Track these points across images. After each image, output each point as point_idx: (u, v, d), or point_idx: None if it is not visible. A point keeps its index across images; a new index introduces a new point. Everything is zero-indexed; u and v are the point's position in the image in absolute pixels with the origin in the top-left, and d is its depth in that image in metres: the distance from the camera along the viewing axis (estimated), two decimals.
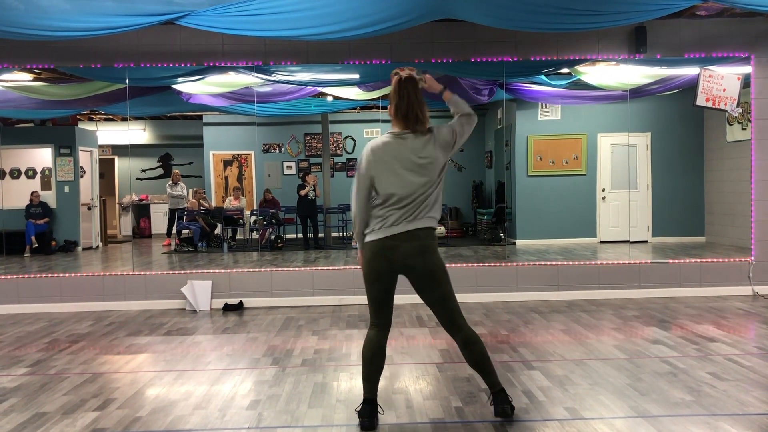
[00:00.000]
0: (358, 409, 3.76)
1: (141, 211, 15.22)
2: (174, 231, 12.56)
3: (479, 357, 3.75)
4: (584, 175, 11.85)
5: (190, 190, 13.75)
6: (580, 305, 7.27)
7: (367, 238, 3.69)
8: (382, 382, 4.56)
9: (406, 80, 3.62)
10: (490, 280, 7.62)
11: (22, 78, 8.63)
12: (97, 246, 12.95)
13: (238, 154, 14.83)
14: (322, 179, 12.45)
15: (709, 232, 11.23)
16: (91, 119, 14.02)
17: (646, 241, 11.36)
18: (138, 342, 5.99)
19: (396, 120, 3.64)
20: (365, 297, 7.63)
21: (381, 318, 3.88)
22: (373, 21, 6.19)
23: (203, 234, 12.17)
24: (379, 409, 3.79)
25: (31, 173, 13.08)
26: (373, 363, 3.75)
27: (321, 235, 12.11)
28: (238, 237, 12.90)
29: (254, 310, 7.39)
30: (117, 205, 15.12)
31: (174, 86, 8.82)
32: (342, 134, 15.02)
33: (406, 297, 7.49)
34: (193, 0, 6.12)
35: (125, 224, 15.08)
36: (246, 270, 7.84)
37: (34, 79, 8.78)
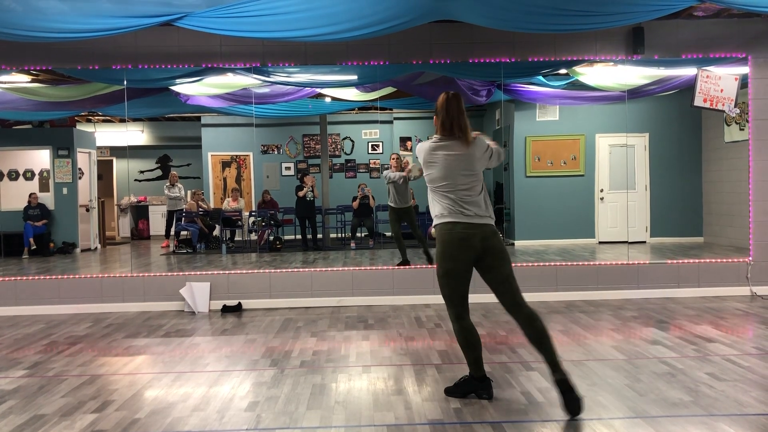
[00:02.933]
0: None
1: (139, 212, 15.20)
2: (172, 232, 12.55)
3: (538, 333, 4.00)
4: (582, 175, 11.86)
5: (189, 192, 13.73)
6: (579, 306, 7.27)
7: None
8: (381, 383, 4.57)
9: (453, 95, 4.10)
10: None
11: (19, 79, 8.63)
12: (96, 247, 12.94)
13: (236, 156, 14.82)
14: (321, 180, 12.45)
15: (708, 233, 11.24)
16: (89, 121, 14.01)
17: (644, 242, 11.37)
18: (136, 344, 5.98)
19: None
20: (363, 298, 7.60)
21: None
22: (370, 22, 6.19)
23: (202, 235, 12.16)
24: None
25: (29, 175, 13.07)
26: None
27: (320, 236, 12.10)
28: (236, 238, 12.89)
29: (253, 312, 7.39)
30: (115, 207, 15.10)
31: (172, 87, 8.82)
32: (340, 135, 15.01)
33: (404, 298, 7.52)
34: (191, 1, 6.12)
35: (124, 226, 15.06)
36: (244, 271, 7.84)
37: (32, 81, 8.78)
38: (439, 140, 4.08)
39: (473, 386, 4.17)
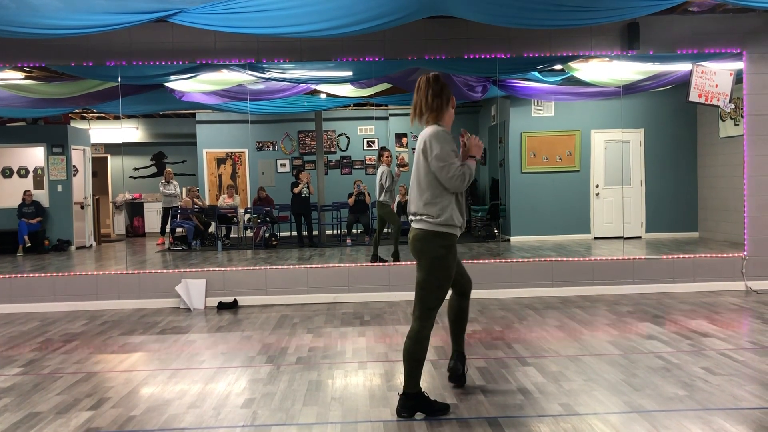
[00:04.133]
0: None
1: (134, 209, 15.16)
2: (168, 229, 12.53)
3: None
4: (578, 171, 11.87)
5: (184, 189, 13.71)
6: (575, 301, 7.29)
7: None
8: (377, 379, 4.57)
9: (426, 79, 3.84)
10: (484, 277, 7.63)
11: (13, 76, 8.58)
12: (91, 245, 12.91)
13: (231, 152, 14.79)
14: (316, 177, 12.44)
15: (703, 228, 11.27)
16: (83, 118, 13.97)
17: (639, 237, 11.39)
18: (132, 341, 5.97)
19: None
20: (359, 294, 7.54)
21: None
22: (365, 18, 6.18)
23: (197, 232, 12.14)
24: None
25: (23, 172, 13.03)
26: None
27: (315, 232, 12.10)
28: (232, 235, 12.87)
29: (249, 309, 7.38)
30: (110, 204, 15.07)
31: (167, 84, 8.78)
32: (336, 131, 15.00)
33: (400, 294, 7.52)
34: None
35: (119, 223, 15.02)
36: (240, 268, 7.83)
37: (26, 78, 8.74)
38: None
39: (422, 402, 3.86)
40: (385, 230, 9.66)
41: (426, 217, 3.77)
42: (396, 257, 8.77)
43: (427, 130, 3.81)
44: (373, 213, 12.24)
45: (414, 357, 3.78)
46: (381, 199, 9.14)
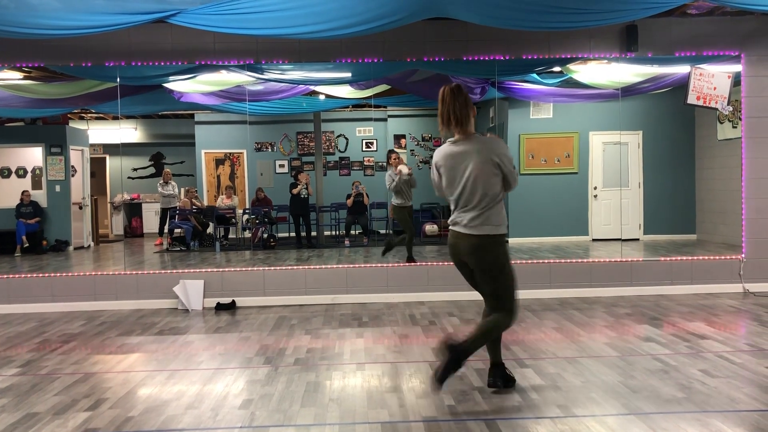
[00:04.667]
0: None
1: (133, 210, 15.16)
2: (166, 230, 12.52)
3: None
4: (576, 173, 11.88)
5: (182, 189, 13.70)
6: (572, 303, 7.29)
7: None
8: (375, 381, 4.57)
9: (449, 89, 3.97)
10: None
11: (12, 76, 8.57)
12: (89, 245, 12.89)
13: (230, 153, 14.79)
14: (315, 178, 12.44)
15: (701, 230, 11.28)
16: (82, 118, 13.95)
17: (637, 239, 11.40)
18: (130, 342, 5.97)
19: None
20: (357, 295, 7.58)
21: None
22: (364, 19, 6.19)
23: (195, 233, 12.13)
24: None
25: (21, 172, 13.01)
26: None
27: (314, 233, 12.10)
28: (230, 236, 12.87)
29: (247, 309, 7.38)
30: (108, 205, 15.05)
31: (165, 85, 8.78)
32: (334, 133, 15.00)
33: (398, 295, 7.53)
34: None
35: (117, 223, 15.01)
36: (238, 269, 7.82)
37: (24, 78, 8.73)
38: (451, 143, 4.02)
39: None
40: (381, 231, 9.67)
41: (486, 219, 3.95)
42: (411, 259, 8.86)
43: (490, 141, 3.98)
44: (371, 214, 12.29)
45: (486, 335, 4.01)
46: (393, 202, 9.18)
